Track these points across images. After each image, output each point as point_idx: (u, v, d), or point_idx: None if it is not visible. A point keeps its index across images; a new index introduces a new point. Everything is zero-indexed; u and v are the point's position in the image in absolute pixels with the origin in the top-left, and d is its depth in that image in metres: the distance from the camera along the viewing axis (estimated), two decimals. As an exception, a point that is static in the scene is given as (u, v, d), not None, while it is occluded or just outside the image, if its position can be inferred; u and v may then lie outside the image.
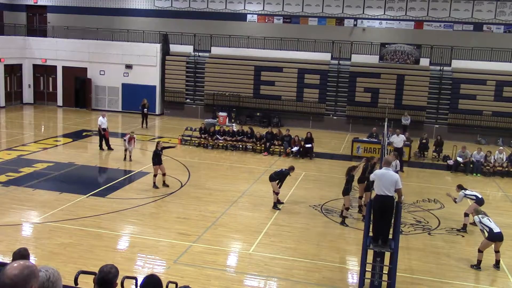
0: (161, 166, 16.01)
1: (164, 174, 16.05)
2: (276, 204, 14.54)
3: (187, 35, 31.40)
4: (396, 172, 13.16)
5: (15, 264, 2.71)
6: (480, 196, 13.62)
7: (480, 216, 11.27)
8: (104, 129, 20.84)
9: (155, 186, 15.86)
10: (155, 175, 15.94)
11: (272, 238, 12.23)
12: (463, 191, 13.86)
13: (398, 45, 28.56)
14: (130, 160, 19.24)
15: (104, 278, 4.28)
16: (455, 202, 13.91)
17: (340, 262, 11.33)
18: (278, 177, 14.69)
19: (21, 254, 5.51)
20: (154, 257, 10.86)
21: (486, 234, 10.93)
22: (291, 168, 14.90)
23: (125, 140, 19.35)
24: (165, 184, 16.01)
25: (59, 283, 3.04)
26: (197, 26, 31.65)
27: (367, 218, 9.67)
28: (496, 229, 10.88)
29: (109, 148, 20.97)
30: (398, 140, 20.21)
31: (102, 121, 20.79)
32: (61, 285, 3.07)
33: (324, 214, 14.33)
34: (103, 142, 20.94)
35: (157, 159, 15.95)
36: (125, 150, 19.34)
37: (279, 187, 14.69)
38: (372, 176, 9.67)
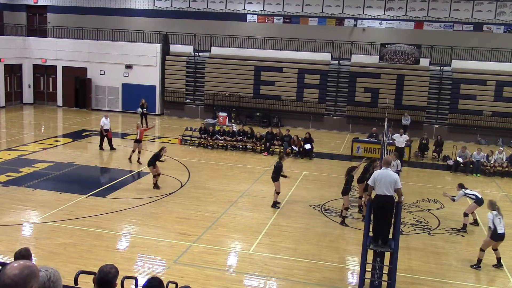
0: (156, 168, 15.83)
1: (159, 175, 15.93)
2: (276, 204, 14.58)
3: (187, 35, 31.40)
4: (397, 172, 13.16)
5: (15, 264, 2.71)
6: (480, 196, 13.62)
7: (494, 213, 11.01)
8: (106, 130, 20.90)
9: (156, 186, 15.85)
10: (154, 176, 15.93)
11: (272, 238, 12.23)
12: (463, 190, 13.84)
13: (398, 45, 28.54)
14: (137, 162, 18.89)
15: (104, 278, 4.28)
16: (453, 200, 13.91)
17: (340, 262, 11.32)
18: (277, 174, 14.73)
19: (22, 255, 5.51)
20: (154, 257, 10.85)
21: (491, 232, 10.89)
22: (281, 157, 15.09)
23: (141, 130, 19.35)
24: (156, 186, 15.85)
25: (60, 282, 3.04)
26: (197, 26, 31.64)
27: (367, 218, 9.67)
28: (501, 230, 10.84)
29: (112, 148, 20.97)
30: (401, 140, 20.30)
31: (105, 122, 20.86)
32: (61, 285, 3.08)
33: (324, 214, 14.33)
34: (103, 142, 20.95)
35: (153, 160, 15.80)
36: (133, 151, 19.02)
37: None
38: (370, 182, 9.58)
